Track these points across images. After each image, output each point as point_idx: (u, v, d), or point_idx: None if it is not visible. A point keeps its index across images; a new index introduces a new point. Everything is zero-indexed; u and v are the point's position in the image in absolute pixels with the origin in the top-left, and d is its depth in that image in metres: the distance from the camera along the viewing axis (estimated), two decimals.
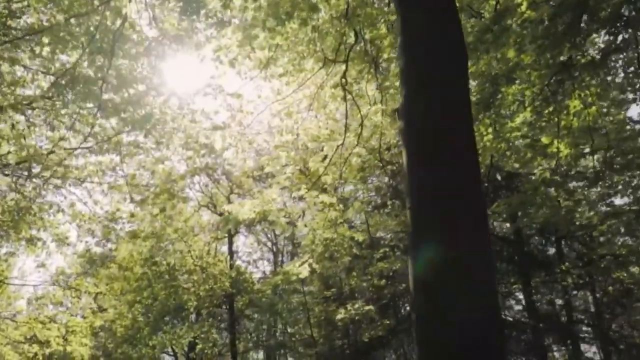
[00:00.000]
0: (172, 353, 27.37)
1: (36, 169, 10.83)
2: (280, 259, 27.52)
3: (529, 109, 6.61)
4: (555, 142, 6.98)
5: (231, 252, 21.31)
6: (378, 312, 12.51)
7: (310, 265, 9.63)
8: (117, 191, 12.74)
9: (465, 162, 3.91)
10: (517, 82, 6.55)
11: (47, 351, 13.23)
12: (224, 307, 22.51)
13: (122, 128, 10.49)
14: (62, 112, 8.99)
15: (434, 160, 3.91)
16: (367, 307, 11.07)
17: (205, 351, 25.42)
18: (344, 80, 9.89)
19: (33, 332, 12.89)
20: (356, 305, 11.27)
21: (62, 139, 8.31)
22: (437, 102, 4.01)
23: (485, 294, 3.68)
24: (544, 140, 7.26)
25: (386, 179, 11.31)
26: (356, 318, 11.92)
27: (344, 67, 10.23)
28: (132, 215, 14.62)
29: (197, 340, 25.91)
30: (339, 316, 11.10)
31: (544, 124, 6.93)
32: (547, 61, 6.02)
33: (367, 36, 9.42)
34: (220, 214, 22.31)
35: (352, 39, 10.41)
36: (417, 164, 4.06)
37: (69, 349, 13.20)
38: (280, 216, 11.38)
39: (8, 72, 8.17)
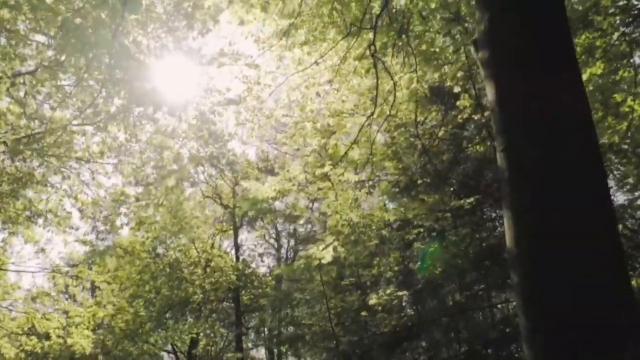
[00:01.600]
0: (172, 351, 26.44)
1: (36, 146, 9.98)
2: (282, 255, 26.72)
3: (599, 61, 5.87)
4: (629, 100, 6.23)
5: (236, 245, 20.53)
6: (410, 299, 11.71)
7: (334, 249, 8.79)
8: (123, 172, 11.82)
9: (570, 81, 3.20)
10: (590, 29, 5.81)
11: (47, 344, 12.36)
12: (226, 303, 21.65)
13: (128, 103, 9.62)
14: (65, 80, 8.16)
15: (535, 83, 3.19)
16: (400, 293, 10.25)
17: (209, 347, 24.65)
18: (372, 47, 9.06)
19: (31, 324, 12.01)
20: (388, 291, 10.47)
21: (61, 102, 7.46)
22: (531, 19, 3.32)
23: (607, 244, 3.13)
24: (616, 98, 6.51)
25: (416, 156, 10.55)
26: (386, 306, 11.13)
27: (371, 35, 9.39)
28: (137, 199, 13.76)
29: (199, 337, 25.17)
30: (372, 301, 10.30)
31: (617, 78, 6.19)
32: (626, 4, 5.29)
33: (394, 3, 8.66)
34: (226, 206, 21.52)
35: (377, 10, 9.62)
36: (513, 91, 3.32)
37: (69, 341, 12.33)
38: (299, 197, 10.53)
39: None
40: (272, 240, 27.62)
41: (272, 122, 11.33)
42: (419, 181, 10.12)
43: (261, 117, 10.59)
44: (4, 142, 9.10)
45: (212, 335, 22.28)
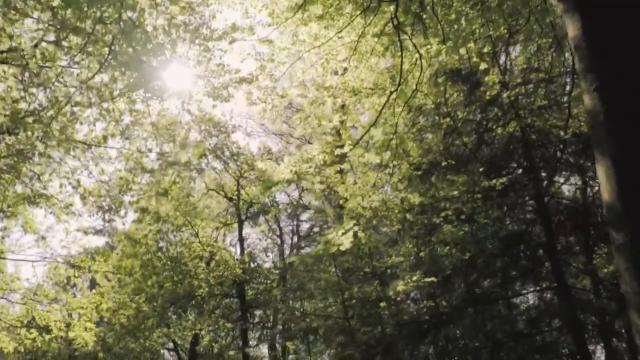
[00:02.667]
0: (174, 348, 25.87)
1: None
2: (286, 251, 26.22)
3: None
4: None
5: (241, 239, 19.97)
6: (435, 287, 11.15)
7: (354, 234, 8.24)
8: (128, 159, 11.25)
9: None
10: None
11: (47, 338, 11.77)
12: (230, 299, 21.10)
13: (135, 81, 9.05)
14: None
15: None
16: (428, 280, 9.68)
17: (213, 344, 24.10)
18: (394, 20, 8.47)
19: (31, 316, 11.41)
20: (414, 277, 9.90)
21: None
22: None
23: None
24: None
25: (439, 136, 10.00)
26: (410, 294, 10.55)
27: (391, 8, 8.78)
28: (142, 192, 13.15)
29: (202, 333, 24.61)
30: (399, 287, 9.74)
31: None
32: None
33: None
34: (230, 199, 20.95)
35: None
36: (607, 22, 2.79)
37: (71, 335, 11.74)
38: (315, 181, 9.97)
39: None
40: (274, 237, 27.07)
41: (286, 103, 10.71)
42: (443, 163, 9.58)
43: (275, 96, 9.97)
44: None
45: (216, 330, 21.64)
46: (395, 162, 8.13)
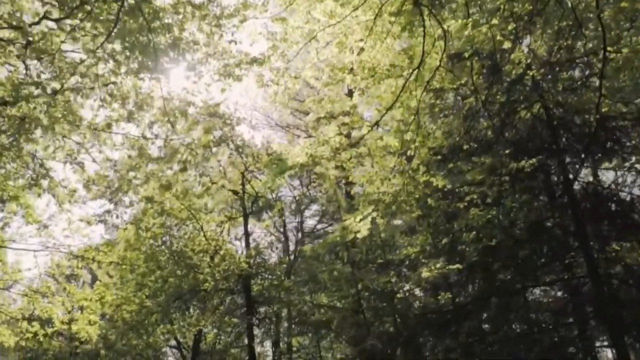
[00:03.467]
0: (176, 345, 25.48)
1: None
2: (288, 248, 25.86)
3: None
4: None
5: (247, 233, 19.50)
6: (459, 276, 10.69)
7: (372, 220, 7.81)
8: (133, 145, 10.82)
9: None
10: None
11: (50, 331, 11.34)
12: (235, 294, 20.65)
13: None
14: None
15: None
16: (453, 267, 9.22)
17: (217, 340, 23.68)
18: None
19: (33, 307, 10.97)
20: (438, 265, 9.45)
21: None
22: None
23: None
24: None
25: (461, 118, 9.54)
26: (434, 282, 10.09)
27: None
28: (147, 177, 12.73)
29: (206, 330, 24.21)
30: (424, 274, 9.27)
31: None
32: None
33: None
34: (235, 192, 20.48)
35: None
36: None
37: (74, 328, 11.30)
38: (330, 166, 9.52)
39: None
40: (277, 234, 26.70)
41: (299, 85, 10.24)
42: (465, 146, 9.13)
43: (287, 78, 9.50)
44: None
45: (221, 327, 21.21)
46: (415, 144, 7.64)
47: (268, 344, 26.96)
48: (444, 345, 11.54)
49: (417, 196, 8.70)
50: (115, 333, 20.83)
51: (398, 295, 11.72)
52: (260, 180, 20.57)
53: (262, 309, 22.95)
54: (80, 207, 11.06)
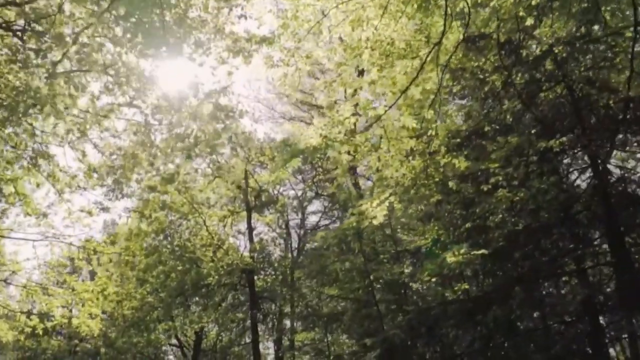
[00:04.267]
0: (177, 344, 25.07)
1: None
2: (291, 245, 25.46)
3: None
4: None
5: (250, 227, 19.09)
6: (482, 263, 10.22)
7: (390, 205, 7.36)
8: (136, 130, 10.38)
9: None
10: None
11: (49, 325, 10.86)
12: (237, 291, 20.24)
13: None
14: None
15: None
16: (478, 252, 8.75)
17: (220, 337, 23.26)
18: None
19: (32, 300, 10.49)
20: (462, 250, 8.99)
21: None
22: None
23: None
24: None
25: (480, 99, 9.09)
26: (458, 269, 9.64)
27: None
28: (152, 164, 12.27)
29: (208, 328, 23.81)
30: (451, 259, 8.80)
31: None
32: None
33: None
34: (238, 186, 20.01)
35: None
36: None
37: (74, 322, 10.82)
38: (343, 150, 9.05)
39: None
40: (279, 230, 26.28)
41: (309, 67, 9.77)
42: (486, 128, 8.69)
43: (298, 58, 9.02)
44: None
45: (224, 323, 20.78)
46: (435, 124, 7.20)
47: (270, 345, 26.49)
48: (467, 336, 11.08)
49: (437, 179, 8.27)
50: (116, 330, 20.41)
51: (413, 286, 11.26)
52: (264, 175, 20.17)
53: (266, 305, 22.56)
54: (82, 193, 10.58)
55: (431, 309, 10.98)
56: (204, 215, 19.31)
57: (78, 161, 11.27)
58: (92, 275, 16.20)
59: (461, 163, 7.88)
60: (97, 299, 11.73)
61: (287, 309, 21.15)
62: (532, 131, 9.51)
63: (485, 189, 9.53)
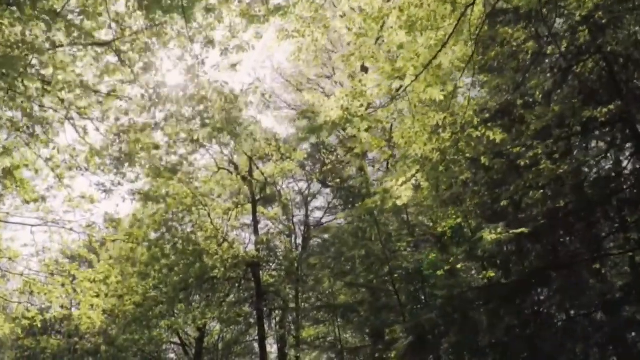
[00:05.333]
0: (179, 342, 24.48)
1: None
2: (296, 240, 24.91)
3: None
4: None
5: (255, 220, 18.49)
6: (516, 245, 9.59)
7: (416, 183, 6.74)
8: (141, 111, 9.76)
9: None
10: None
11: (48, 316, 10.24)
12: (242, 285, 19.64)
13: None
14: None
15: None
16: (517, 230, 8.11)
17: (224, 334, 22.67)
18: None
19: (30, 290, 9.85)
20: (499, 229, 8.36)
21: None
22: None
23: None
24: None
25: (511, 73, 8.44)
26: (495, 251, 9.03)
27: None
28: (157, 147, 11.65)
29: (212, 325, 23.23)
30: (489, 237, 8.18)
31: None
32: None
33: None
34: (243, 178, 19.44)
35: None
36: None
37: (75, 313, 10.19)
38: (363, 127, 8.44)
39: None
40: (281, 227, 25.71)
41: (325, 40, 9.14)
42: (519, 101, 8.07)
43: (315, 28, 8.40)
44: None
45: (228, 320, 20.14)
46: (467, 94, 6.59)
47: (273, 346, 25.84)
48: (503, 324, 10.41)
49: (467, 155, 7.67)
50: (117, 327, 19.82)
51: (439, 272, 10.64)
52: (270, 166, 19.60)
53: (270, 300, 21.91)
54: (83, 174, 9.94)
55: (465, 294, 10.34)
56: (208, 208, 18.75)
57: (79, 144, 10.69)
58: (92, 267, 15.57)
59: (496, 135, 7.27)
60: (99, 289, 11.09)
61: (293, 304, 20.59)
62: (574, 100, 8.86)
63: (522, 163, 8.87)
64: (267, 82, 23.56)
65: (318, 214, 27.74)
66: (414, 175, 7.52)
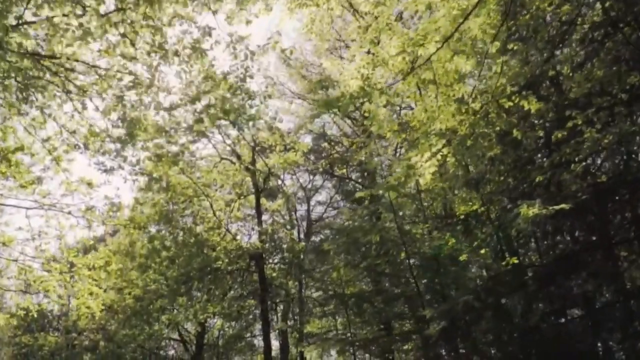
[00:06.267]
0: (179, 338, 23.99)
1: None
2: (299, 235, 24.46)
3: None
4: None
5: (259, 212, 17.93)
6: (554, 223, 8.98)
7: (442, 158, 6.20)
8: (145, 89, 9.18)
9: None
10: None
11: (44, 306, 9.65)
12: (245, 278, 19.09)
13: None
14: None
15: None
16: (557, 207, 7.51)
17: (224, 332, 22.15)
18: None
19: (25, 277, 9.26)
20: (536, 206, 7.77)
21: None
22: None
23: None
24: None
25: (542, 44, 7.83)
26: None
27: None
28: (159, 129, 11.09)
29: (210, 322, 22.75)
30: (528, 211, 7.58)
31: None
32: None
33: None
34: (247, 168, 18.85)
35: None
36: None
37: (73, 303, 9.60)
38: (382, 102, 7.88)
39: None
40: (282, 221, 25.20)
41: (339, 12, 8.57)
42: (551, 72, 7.49)
43: None
44: None
45: (230, 315, 19.60)
46: (500, 60, 6.02)
47: (274, 343, 25.36)
48: (538, 310, 9.80)
49: (497, 128, 7.10)
50: (116, 322, 19.30)
51: (462, 257, 10.04)
52: (273, 157, 19.05)
53: (271, 294, 21.37)
54: (82, 152, 9.35)
55: (499, 276, 9.72)
56: (210, 199, 18.23)
57: (78, 124, 10.10)
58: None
59: (532, 104, 6.67)
60: (99, 276, 10.48)
61: (297, 298, 20.08)
62: (614, 68, 8.27)
63: (559, 135, 8.24)
64: (271, 69, 22.95)
65: (319, 210, 27.36)
66: (439, 150, 6.95)
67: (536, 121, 8.69)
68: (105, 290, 11.55)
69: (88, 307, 10.85)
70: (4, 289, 10.52)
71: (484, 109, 6.71)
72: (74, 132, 9.13)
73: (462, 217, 10.64)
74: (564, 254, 9.57)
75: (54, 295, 10.68)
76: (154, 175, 10.24)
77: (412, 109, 9.20)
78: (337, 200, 27.12)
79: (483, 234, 9.82)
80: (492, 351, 10.57)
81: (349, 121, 21.75)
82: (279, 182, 23.21)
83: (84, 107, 8.96)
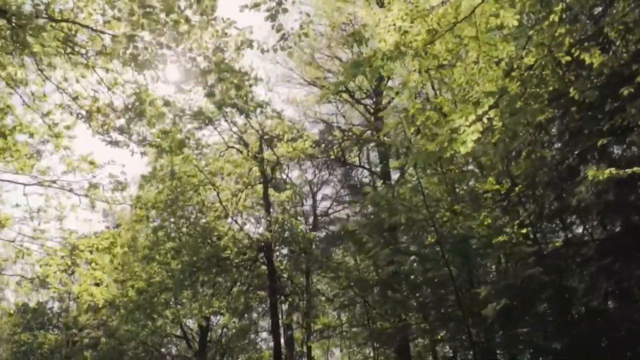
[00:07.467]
0: (182, 335, 23.42)
1: None
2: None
3: None
4: None
5: (267, 201, 17.27)
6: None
7: (488, 122, 5.48)
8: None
9: None
10: None
11: (44, 293, 8.91)
12: (253, 271, 18.43)
13: None
14: None
15: None
16: (629, 170, 6.72)
17: (231, 325, 21.48)
18: None
19: (23, 259, 8.54)
20: (607, 170, 6.99)
21: None
22: None
23: None
24: None
25: None
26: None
27: None
28: (167, 103, 10.31)
29: (215, 320, 22.16)
30: (600, 174, 6.79)
31: None
32: None
33: None
34: (254, 157, 18.22)
35: None
36: None
37: (75, 289, 8.87)
38: (413, 66, 7.20)
39: None
40: (292, 211, 24.78)
41: None
42: (606, 29, 6.74)
43: None
44: None
45: (235, 311, 18.94)
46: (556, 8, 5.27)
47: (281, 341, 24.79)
48: (601, 289, 8.93)
49: (551, 87, 6.35)
50: (118, 318, 18.65)
51: (501, 238, 9.28)
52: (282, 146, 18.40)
53: (283, 287, 20.71)
54: (85, 121, 8.62)
55: (559, 250, 8.90)
56: (217, 188, 17.60)
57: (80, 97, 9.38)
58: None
59: (595, 57, 5.92)
60: (102, 260, 9.74)
61: (306, 294, 19.41)
62: None
63: (627, 92, 7.40)
64: (277, 58, 22.24)
65: (325, 205, 26.82)
66: (486, 112, 6.21)
67: (595, 79, 7.93)
68: (114, 257, 10.68)
69: (91, 295, 10.05)
70: (3, 274, 9.81)
71: (538, 63, 5.97)
72: (76, 97, 8.38)
73: (504, 191, 9.73)
74: (631, 227, 8.67)
75: (54, 282, 9.88)
76: (164, 146, 9.59)
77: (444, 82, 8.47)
78: (343, 195, 26.57)
79: (525, 211, 9.08)
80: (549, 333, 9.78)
81: (358, 110, 21.07)
82: (287, 172, 22.61)
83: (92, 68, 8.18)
